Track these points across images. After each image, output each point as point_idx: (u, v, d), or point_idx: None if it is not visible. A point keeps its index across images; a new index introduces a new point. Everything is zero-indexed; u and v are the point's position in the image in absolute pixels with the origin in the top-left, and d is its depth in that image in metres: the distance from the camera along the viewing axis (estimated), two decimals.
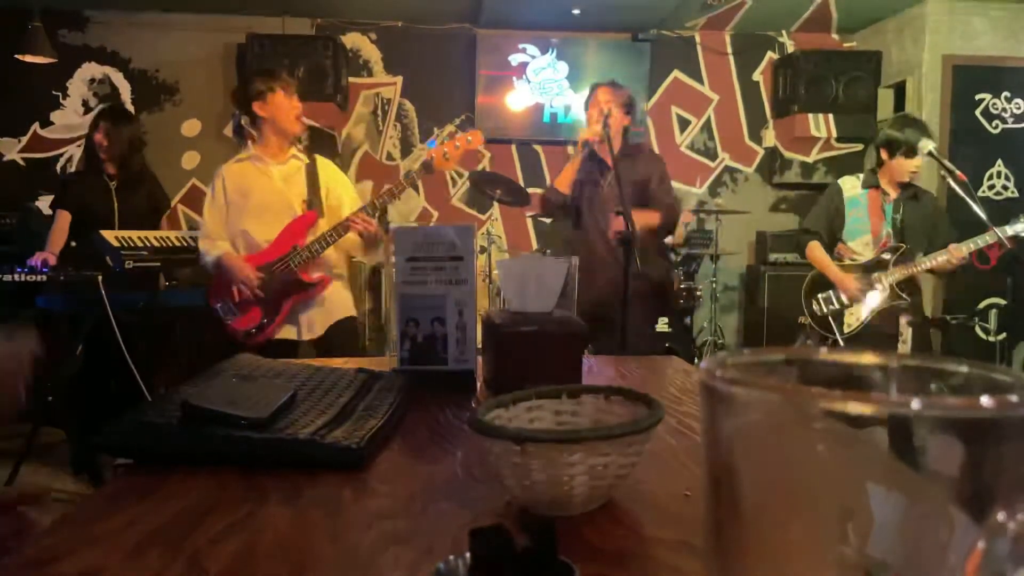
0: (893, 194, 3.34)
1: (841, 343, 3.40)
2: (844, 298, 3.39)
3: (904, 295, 3.33)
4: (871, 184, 3.38)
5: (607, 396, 0.76)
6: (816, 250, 3.46)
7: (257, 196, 2.75)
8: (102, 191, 3.69)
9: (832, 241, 3.48)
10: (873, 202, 3.38)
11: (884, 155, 3.30)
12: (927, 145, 3.10)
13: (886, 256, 3.33)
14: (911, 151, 3.20)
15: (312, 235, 2.70)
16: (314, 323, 2.76)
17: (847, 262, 3.43)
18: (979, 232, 3.20)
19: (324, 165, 2.87)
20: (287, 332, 2.75)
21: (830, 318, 3.45)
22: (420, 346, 1.21)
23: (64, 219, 3.66)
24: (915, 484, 0.25)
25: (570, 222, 3.41)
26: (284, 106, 2.75)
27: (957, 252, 3.18)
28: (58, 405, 3.27)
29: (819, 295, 3.49)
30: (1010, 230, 3.13)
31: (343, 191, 2.86)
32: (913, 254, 3.30)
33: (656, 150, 5.62)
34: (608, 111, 3.12)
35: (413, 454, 0.86)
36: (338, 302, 2.85)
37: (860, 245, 3.41)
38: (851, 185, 3.44)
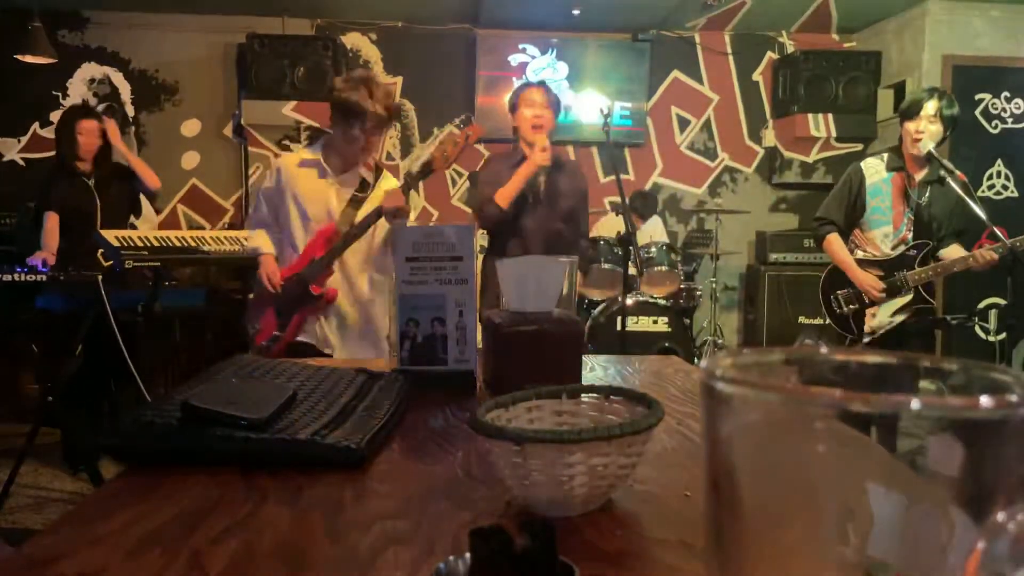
0: (918, 176, 3.11)
1: (860, 345, 3.19)
2: (865, 297, 3.19)
3: (930, 298, 3.12)
4: (896, 166, 3.14)
5: (607, 396, 0.76)
6: (835, 245, 3.23)
7: (308, 208, 2.59)
8: (82, 189, 3.68)
9: (849, 228, 3.26)
10: (898, 188, 3.14)
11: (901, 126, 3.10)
12: (927, 144, 3.06)
13: (911, 253, 3.12)
14: (911, 110, 3.05)
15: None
16: (336, 346, 2.62)
17: (860, 255, 3.22)
18: (978, 231, 3.18)
19: (383, 186, 2.65)
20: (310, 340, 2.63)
21: (850, 318, 3.23)
22: (420, 346, 1.20)
23: (53, 220, 3.64)
24: (915, 484, 0.25)
25: (502, 232, 3.16)
26: (367, 141, 2.55)
27: (986, 256, 2.96)
28: (58, 405, 3.27)
29: (838, 292, 3.26)
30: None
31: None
32: (938, 251, 3.10)
33: (656, 150, 5.66)
34: (542, 115, 2.95)
35: (413, 454, 0.86)
36: (368, 341, 2.64)
37: (879, 236, 3.19)
38: (875, 170, 3.19)
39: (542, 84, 3.16)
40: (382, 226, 2.61)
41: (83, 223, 3.56)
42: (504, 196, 3.01)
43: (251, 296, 2.69)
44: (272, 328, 2.62)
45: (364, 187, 2.62)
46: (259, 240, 2.66)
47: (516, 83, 5.41)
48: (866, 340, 3.23)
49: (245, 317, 2.77)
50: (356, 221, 2.55)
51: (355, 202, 2.60)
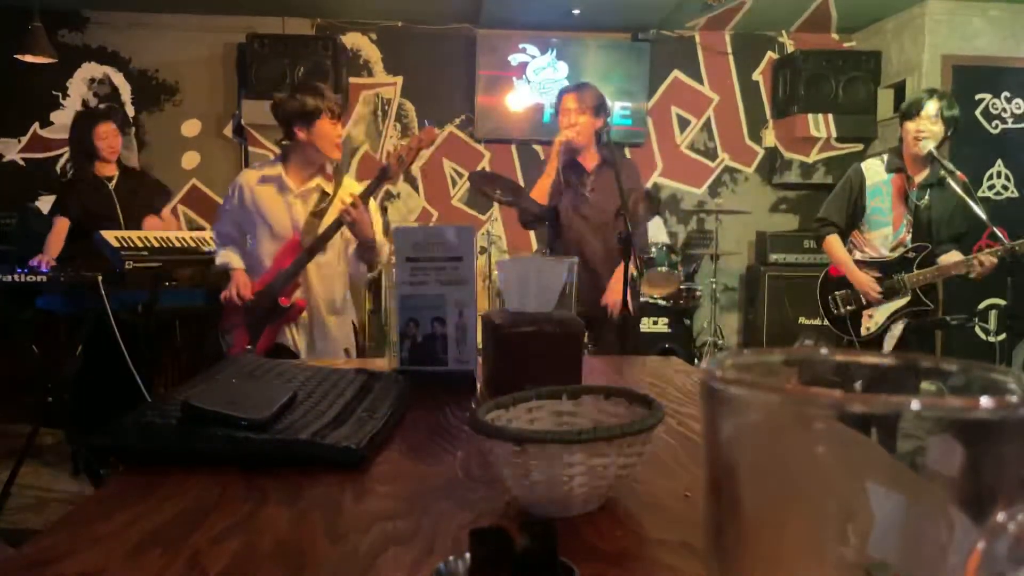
0: (917, 178, 3.11)
1: (857, 346, 3.17)
2: (863, 298, 3.19)
3: (928, 300, 3.12)
4: (896, 167, 3.14)
5: (607, 396, 0.76)
6: (835, 246, 3.23)
7: (273, 224, 2.61)
8: (102, 193, 3.67)
9: (849, 229, 3.27)
10: (897, 189, 3.13)
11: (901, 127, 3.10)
12: (928, 144, 3.05)
13: (910, 256, 3.12)
14: (911, 111, 3.04)
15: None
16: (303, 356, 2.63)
17: (859, 256, 3.22)
18: (978, 231, 3.17)
19: (345, 191, 2.63)
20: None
21: (847, 319, 3.24)
22: (420, 346, 1.20)
23: (63, 225, 3.63)
24: (915, 484, 0.25)
25: (551, 232, 3.24)
26: (328, 133, 2.56)
27: (984, 264, 2.97)
28: (58, 405, 3.27)
29: (836, 293, 3.27)
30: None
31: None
32: (936, 254, 3.10)
33: (656, 150, 5.66)
34: (575, 120, 3.08)
35: (413, 454, 0.86)
36: (334, 352, 2.65)
37: (878, 238, 3.18)
38: (875, 171, 3.19)
39: (578, 88, 3.22)
40: (350, 238, 2.64)
41: (103, 227, 3.52)
42: (539, 190, 3.12)
43: (223, 308, 2.68)
44: (244, 341, 2.63)
45: (324, 198, 2.64)
46: (229, 256, 2.69)
47: (516, 83, 5.42)
48: (861, 342, 3.23)
49: (218, 328, 2.75)
50: (320, 231, 2.58)
51: (318, 214, 2.62)
